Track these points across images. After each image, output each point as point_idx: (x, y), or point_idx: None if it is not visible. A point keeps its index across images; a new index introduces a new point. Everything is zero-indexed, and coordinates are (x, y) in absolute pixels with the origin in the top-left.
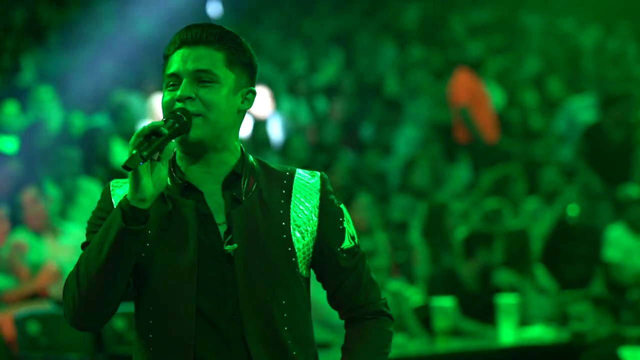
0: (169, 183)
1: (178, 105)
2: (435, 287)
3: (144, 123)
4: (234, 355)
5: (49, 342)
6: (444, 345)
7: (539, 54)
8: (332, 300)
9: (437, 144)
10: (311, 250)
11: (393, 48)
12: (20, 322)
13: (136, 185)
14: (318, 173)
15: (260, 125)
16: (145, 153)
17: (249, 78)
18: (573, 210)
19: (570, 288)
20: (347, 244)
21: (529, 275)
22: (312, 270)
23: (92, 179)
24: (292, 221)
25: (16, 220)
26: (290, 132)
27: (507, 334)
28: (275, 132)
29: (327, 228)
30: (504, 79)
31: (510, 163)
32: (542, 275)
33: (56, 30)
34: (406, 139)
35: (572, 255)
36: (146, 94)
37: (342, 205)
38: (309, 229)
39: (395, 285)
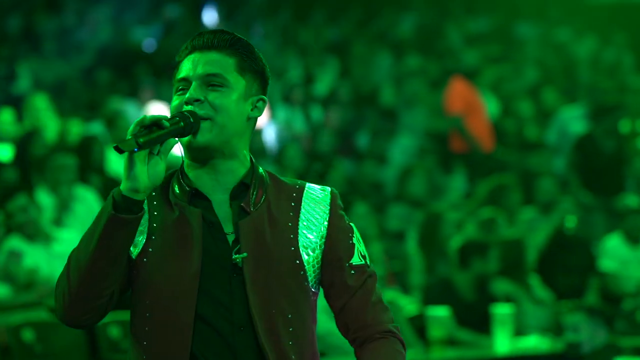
0: (177, 191)
1: (187, 108)
2: (431, 296)
3: None
4: None
5: (44, 349)
6: (438, 354)
7: (535, 64)
8: (339, 321)
9: (433, 153)
10: (320, 263)
11: (389, 57)
12: (14, 330)
13: (130, 173)
14: (329, 188)
15: (255, 134)
16: (141, 140)
17: (260, 86)
18: (571, 222)
19: (565, 298)
20: (356, 260)
21: (524, 285)
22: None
23: (88, 187)
24: (300, 234)
25: (10, 228)
26: (286, 141)
27: (502, 343)
28: (271, 140)
29: (336, 242)
30: (500, 89)
31: (506, 173)
32: (537, 285)
33: (52, 37)
34: (402, 148)
35: (567, 266)
36: (142, 102)
37: (352, 224)
38: (317, 241)
39: (390, 294)
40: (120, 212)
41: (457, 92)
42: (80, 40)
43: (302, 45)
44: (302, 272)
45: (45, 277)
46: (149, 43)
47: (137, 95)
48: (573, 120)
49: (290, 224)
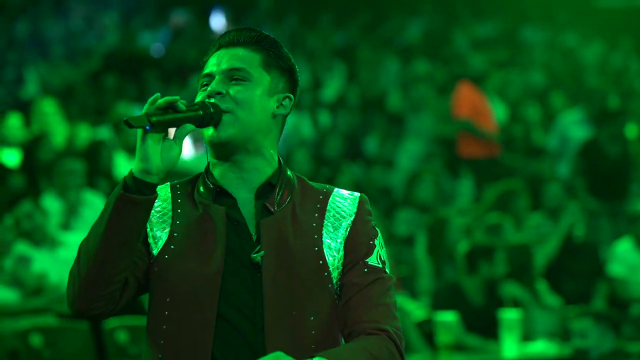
0: (202, 190)
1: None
2: (439, 301)
3: None
4: None
5: (52, 355)
6: (446, 359)
7: (542, 69)
8: (339, 318)
9: (441, 158)
10: (342, 266)
11: (396, 62)
12: (23, 335)
13: (143, 154)
14: (358, 193)
15: None
16: (154, 119)
17: (287, 85)
18: (579, 229)
19: (573, 304)
20: (373, 260)
21: (532, 291)
22: None
23: (96, 191)
24: (324, 236)
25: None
26: (293, 146)
27: (510, 349)
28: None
29: (358, 243)
30: (507, 94)
31: (514, 178)
32: (544, 290)
33: (59, 42)
34: (409, 153)
35: (574, 271)
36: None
37: (378, 229)
38: (341, 243)
39: (398, 299)
40: (131, 194)
41: (465, 97)
42: (88, 45)
43: (309, 50)
44: (325, 274)
45: (54, 282)
46: (156, 48)
47: (144, 100)
48: (573, 125)
49: (314, 225)
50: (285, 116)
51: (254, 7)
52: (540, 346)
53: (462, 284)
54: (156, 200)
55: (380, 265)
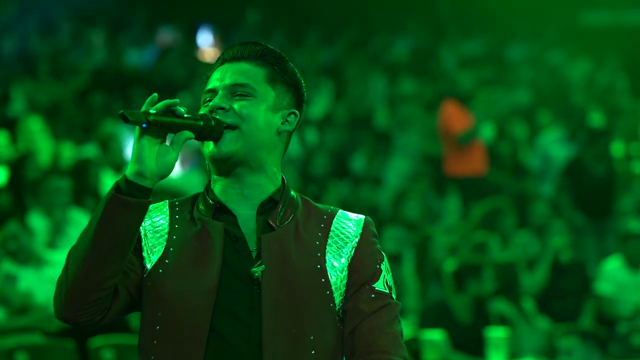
0: (201, 207)
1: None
2: (427, 319)
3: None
4: None
5: None
6: None
7: (529, 87)
8: (346, 346)
9: (428, 176)
10: (346, 286)
11: (383, 80)
12: (8, 353)
13: (138, 156)
14: (363, 216)
15: None
16: (151, 118)
17: (293, 100)
18: (566, 254)
19: (560, 322)
20: (380, 286)
21: (519, 309)
22: None
23: (82, 210)
24: (328, 253)
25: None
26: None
27: None
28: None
29: (363, 265)
30: (493, 112)
31: (500, 196)
32: (531, 308)
33: (46, 59)
34: (396, 171)
35: (561, 290)
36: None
37: (384, 253)
38: (345, 264)
39: None
40: (123, 196)
41: (452, 114)
42: (75, 62)
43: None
44: (327, 292)
45: (40, 301)
46: (143, 65)
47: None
48: (554, 143)
49: (317, 243)
50: (290, 133)
51: (241, 24)
52: None
53: (449, 302)
54: (153, 215)
55: (387, 291)
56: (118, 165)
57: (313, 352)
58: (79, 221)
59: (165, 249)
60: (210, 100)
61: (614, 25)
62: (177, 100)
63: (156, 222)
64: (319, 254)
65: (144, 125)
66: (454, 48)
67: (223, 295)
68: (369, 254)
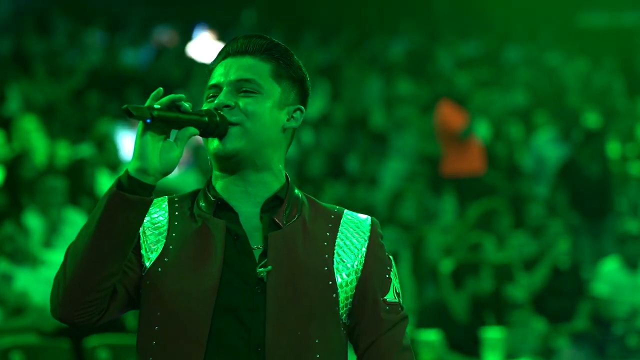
0: (202, 203)
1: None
2: (424, 319)
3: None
4: None
5: None
6: None
7: (525, 88)
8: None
9: (423, 176)
10: (353, 291)
11: (379, 81)
12: (3, 353)
13: (141, 152)
14: (369, 216)
15: None
16: (155, 113)
17: (298, 96)
18: (565, 262)
19: (556, 323)
20: (391, 296)
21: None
22: None
23: (78, 209)
24: (336, 255)
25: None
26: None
27: None
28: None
29: (373, 273)
30: (490, 113)
31: (496, 197)
32: (527, 309)
33: (42, 59)
34: (392, 171)
35: (557, 290)
36: (132, 124)
37: (391, 257)
38: (354, 267)
39: None
40: (126, 193)
41: (449, 114)
42: (71, 62)
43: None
44: (334, 295)
45: (36, 301)
46: (139, 65)
47: (126, 117)
48: (547, 144)
49: (326, 243)
50: (295, 129)
51: (238, 25)
52: None
53: (447, 302)
54: (152, 211)
55: (397, 300)
56: (114, 164)
57: (318, 355)
58: (75, 221)
59: (164, 246)
60: (213, 96)
61: (610, 26)
62: (182, 95)
63: (155, 219)
64: (326, 256)
65: (147, 121)
66: (451, 49)
67: (224, 295)
68: (379, 260)
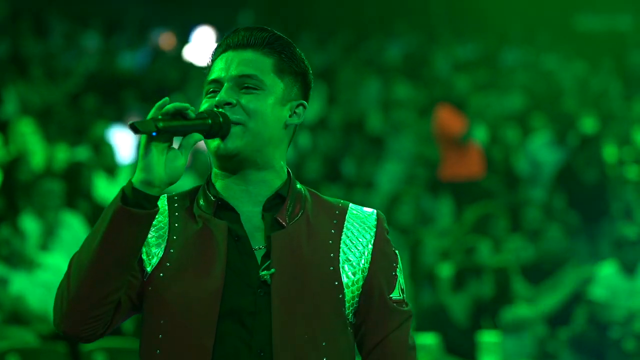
0: (202, 202)
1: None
2: (422, 323)
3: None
4: None
5: None
6: None
7: (522, 91)
8: (369, 356)
9: (421, 180)
10: (360, 290)
11: (376, 84)
12: (0, 356)
13: (145, 164)
14: (375, 210)
15: None
16: (161, 125)
17: (301, 91)
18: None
19: (552, 326)
20: (396, 294)
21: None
22: None
23: (75, 212)
24: (341, 254)
25: None
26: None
27: None
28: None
29: (381, 269)
30: (487, 116)
31: (493, 200)
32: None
33: (38, 62)
34: (389, 175)
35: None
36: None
37: (397, 252)
38: (360, 265)
39: None
40: (130, 207)
41: (448, 118)
42: (67, 65)
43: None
44: (340, 296)
45: (32, 304)
46: (136, 67)
47: (124, 120)
48: (541, 148)
49: (331, 242)
50: (297, 124)
51: (234, 27)
52: None
53: (446, 305)
54: None
55: (402, 297)
56: (111, 167)
57: (325, 358)
58: (72, 224)
59: (165, 250)
60: (214, 92)
61: (607, 29)
62: (186, 105)
63: (155, 221)
64: (332, 254)
65: (153, 134)
66: (448, 52)
67: (227, 299)
68: (386, 256)
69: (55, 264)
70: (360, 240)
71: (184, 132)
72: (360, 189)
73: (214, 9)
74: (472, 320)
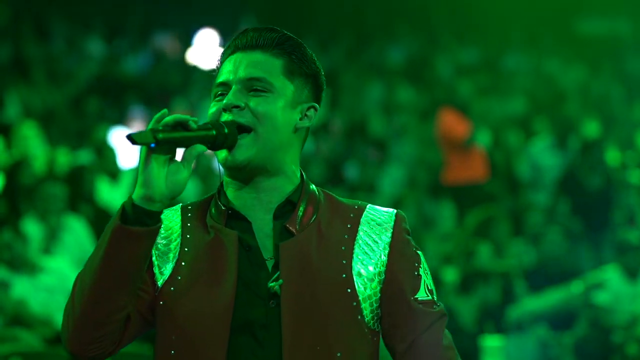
0: (214, 211)
1: (225, 116)
2: None
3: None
4: None
5: None
6: None
7: (524, 95)
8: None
9: (423, 184)
10: (378, 295)
11: (378, 88)
12: None
13: (145, 178)
14: (394, 210)
15: None
16: (160, 136)
17: (312, 93)
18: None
19: (555, 330)
20: (422, 294)
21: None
22: None
23: (77, 216)
24: (355, 260)
25: None
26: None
27: None
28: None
29: (400, 271)
30: (489, 120)
31: (495, 204)
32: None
33: (41, 65)
34: (391, 179)
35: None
36: (130, 129)
37: (420, 252)
38: (376, 269)
39: None
40: (130, 224)
41: (452, 122)
42: (70, 68)
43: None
44: (354, 304)
45: (34, 308)
46: (138, 71)
47: (126, 123)
48: (542, 152)
49: (343, 248)
50: (308, 127)
51: (237, 31)
52: None
53: (450, 309)
54: (164, 224)
55: (430, 297)
56: (113, 171)
57: None
58: (74, 227)
59: (176, 263)
60: (222, 95)
61: (609, 33)
62: (187, 117)
63: (167, 232)
64: (344, 261)
65: (152, 145)
66: (450, 56)
67: (239, 311)
68: (404, 257)
69: (58, 268)
70: (377, 243)
71: (186, 144)
72: (363, 193)
73: (216, 13)
74: (477, 325)
